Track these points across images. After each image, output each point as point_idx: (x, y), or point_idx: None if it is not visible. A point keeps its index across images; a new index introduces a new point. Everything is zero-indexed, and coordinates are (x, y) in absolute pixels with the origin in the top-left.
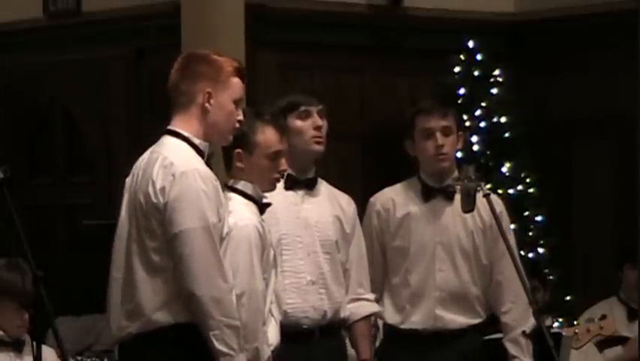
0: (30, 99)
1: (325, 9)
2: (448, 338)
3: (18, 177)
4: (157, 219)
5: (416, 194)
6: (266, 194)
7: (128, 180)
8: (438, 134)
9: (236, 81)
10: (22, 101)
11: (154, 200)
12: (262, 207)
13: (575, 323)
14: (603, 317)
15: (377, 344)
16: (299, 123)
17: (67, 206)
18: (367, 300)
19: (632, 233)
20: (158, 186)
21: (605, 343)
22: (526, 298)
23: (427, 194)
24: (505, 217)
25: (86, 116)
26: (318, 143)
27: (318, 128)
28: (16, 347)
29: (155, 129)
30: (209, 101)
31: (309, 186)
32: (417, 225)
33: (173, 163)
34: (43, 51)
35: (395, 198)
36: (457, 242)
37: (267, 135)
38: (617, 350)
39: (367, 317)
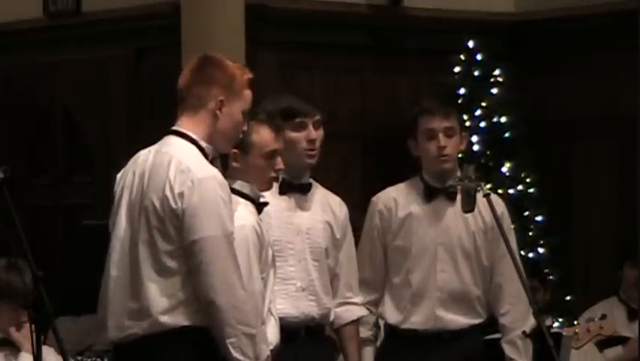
0: (30, 99)
1: (325, 9)
2: (448, 338)
3: (18, 177)
4: (174, 224)
5: (418, 194)
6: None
7: (127, 177)
8: (440, 136)
9: (247, 93)
10: (22, 101)
11: (172, 205)
12: (260, 207)
13: (575, 323)
14: (603, 317)
15: (378, 343)
16: (292, 135)
17: (67, 206)
18: (355, 304)
19: (632, 233)
20: (177, 190)
21: (605, 343)
22: (525, 300)
23: (430, 194)
24: (506, 218)
25: (86, 116)
26: (309, 156)
27: (311, 141)
28: (14, 347)
29: (155, 129)
30: (220, 109)
31: (303, 191)
32: (418, 225)
33: (191, 168)
34: (43, 51)
35: (397, 198)
36: (458, 243)
37: (263, 135)
38: (617, 350)
39: (355, 321)
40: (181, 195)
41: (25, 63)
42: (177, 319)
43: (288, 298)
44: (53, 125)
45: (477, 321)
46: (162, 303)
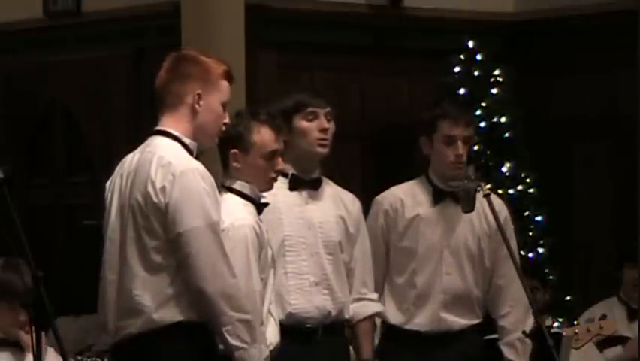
0: (30, 99)
1: (325, 9)
2: (449, 339)
3: (18, 177)
4: (158, 218)
5: (426, 195)
6: (270, 194)
7: (116, 181)
8: (460, 143)
9: (224, 84)
10: (22, 101)
11: (155, 200)
12: (260, 207)
13: (575, 323)
14: (603, 317)
15: (375, 343)
16: (305, 124)
17: (67, 206)
18: (370, 300)
19: (632, 233)
20: (159, 185)
21: (605, 343)
22: (524, 303)
23: (438, 196)
24: (509, 222)
25: (86, 116)
26: (322, 145)
27: (323, 130)
28: (16, 347)
29: None
30: (198, 103)
31: (314, 186)
32: (426, 227)
33: (172, 162)
34: (43, 51)
35: (404, 199)
36: (464, 246)
37: (263, 135)
38: (617, 350)
39: (370, 317)
40: (163, 189)
41: (25, 63)
42: (170, 315)
43: (302, 293)
44: (53, 125)
45: (475, 321)
46: (153, 300)
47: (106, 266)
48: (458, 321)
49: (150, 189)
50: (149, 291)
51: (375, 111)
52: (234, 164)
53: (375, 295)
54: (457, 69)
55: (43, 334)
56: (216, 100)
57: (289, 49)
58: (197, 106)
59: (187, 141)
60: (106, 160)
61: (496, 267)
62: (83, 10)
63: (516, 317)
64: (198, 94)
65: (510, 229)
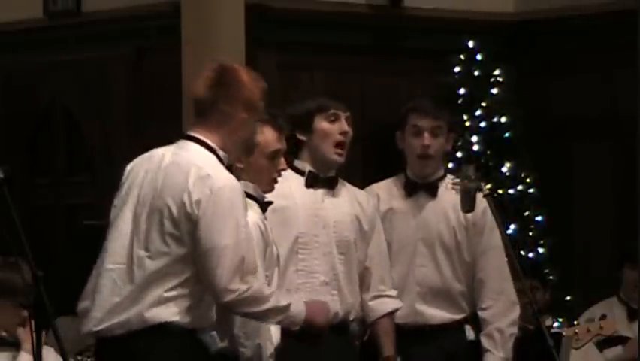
0: (30, 99)
1: (325, 9)
2: (429, 333)
3: (18, 177)
4: (188, 228)
5: (400, 189)
6: (286, 191)
7: (139, 173)
8: (426, 134)
9: (262, 105)
10: (22, 101)
11: (188, 210)
12: (264, 206)
13: (575, 323)
14: (603, 317)
15: (365, 338)
16: (326, 125)
17: (67, 206)
18: (389, 296)
19: (632, 233)
20: (195, 197)
21: (605, 343)
22: (508, 297)
23: (411, 189)
24: (488, 214)
25: (86, 116)
26: (338, 154)
27: (343, 133)
28: (16, 346)
29: (155, 129)
30: (242, 126)
31: (330, 185)
32: (399, 220)
33: (210, 175)
34: (43, 51)
35: (380, 193)
36: (438, 238)
37: (266, 135)
38: (617, 350)
39: (390, 314)
40: (198, 202)
41: (25, 63)
42: (165, 314)
43: (311, 292)
44: (53, 125)
45: (460, 316)
46: (149, 298)
47: (106, 254)
48: (438, 315)
49: (186, 199)
50: (148, 289)
51: (375, 111)
52: (237, 164)
53: (393, 292)
54: (457, 69)
55: (43, 333)
56: (254, 119)
57: (289, 49)
58: (239, 127)
59: (221, 153)
60: (106, 160)
61: (477, 261)
62: (83, 10)
63: (497, 309)
64: (244, 117)
65: (490, 221)
